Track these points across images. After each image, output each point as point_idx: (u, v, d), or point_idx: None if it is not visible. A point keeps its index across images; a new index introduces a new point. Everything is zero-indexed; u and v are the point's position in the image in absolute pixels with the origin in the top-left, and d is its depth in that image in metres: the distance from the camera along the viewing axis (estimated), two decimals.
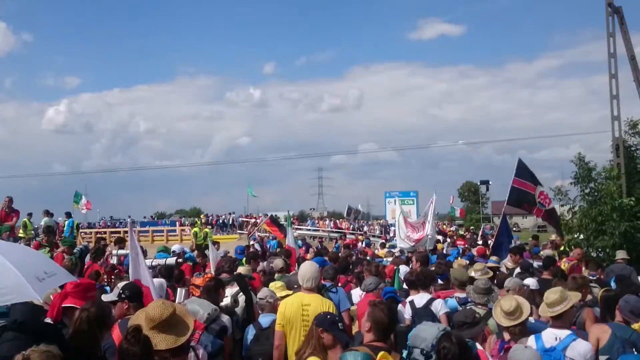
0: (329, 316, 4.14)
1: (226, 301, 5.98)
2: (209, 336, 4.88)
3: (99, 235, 22.97)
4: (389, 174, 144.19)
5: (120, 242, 11.51)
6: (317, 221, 47.20)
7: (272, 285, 6.42)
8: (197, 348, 4.15)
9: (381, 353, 3.48)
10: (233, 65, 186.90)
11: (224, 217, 40.59)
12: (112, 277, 8.62)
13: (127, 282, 4.98)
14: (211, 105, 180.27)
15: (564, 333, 4.41)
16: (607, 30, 13.18)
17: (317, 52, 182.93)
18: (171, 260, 8.76)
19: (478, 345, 4.11)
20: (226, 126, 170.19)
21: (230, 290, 6.31)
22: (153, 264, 8.46)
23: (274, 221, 18.43)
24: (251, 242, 18.35)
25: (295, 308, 5.03)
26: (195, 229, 21.98)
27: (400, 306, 6.17)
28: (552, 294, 4.63)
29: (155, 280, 6.36)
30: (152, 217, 41.74)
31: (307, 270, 5.29)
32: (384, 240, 24.57)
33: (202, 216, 29.90)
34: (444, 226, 43.46)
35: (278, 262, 8.62)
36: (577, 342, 4.30)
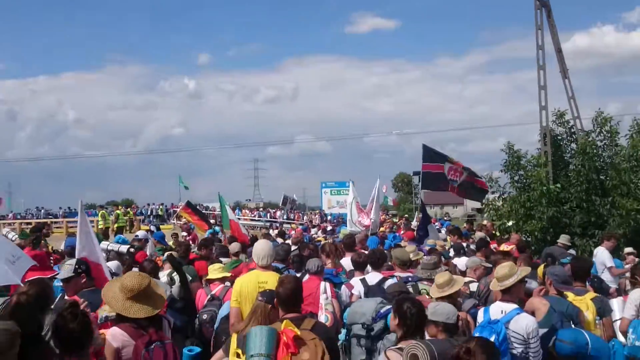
0: (273, 294, 4.16)
1: (163, 280, 6.11)
2: (174, 313, 5.19)
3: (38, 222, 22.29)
4: (324, 166, 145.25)
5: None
6: (252, 212, 46.88)
7: (211, 267, 6.55)
8: (167, 317, 4.22)
9: (285, 322, 3.59)
10: (166, 54, 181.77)
11: (155, 207, 39.62)
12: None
13: (75, 259, 4.93)
14: (143, 95, 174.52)
15: (510, 307, 4.52)
16: (535, 23, 13.70)
17: (251, 44, 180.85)
18: (124, 248, 8.72)
19: None
20: (159, 117, 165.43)
21: (164, 272, 6.57)
22: (109, 248, 8.49)
23: (191, 207, 18.11)
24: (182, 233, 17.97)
25: (251, 285, 5.04)
26: (118, 212, 23.50)
27: (343, 287, 6.28)
28: (501, 269, 4.73)
29: (111, 262, 6.62)
30: (69, 208, 40.40)
31: (261, 248, 5.37)
32: (331, 227, 24.87)
33: (120, 207, 29.42)
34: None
35: (234, 246, 8.82)
36: (521, 316, 4.39)
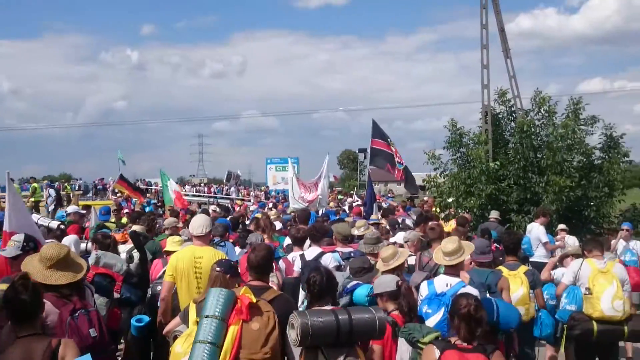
0: (231, 263, 4.34)
1: (122, 256, 6.09)
2: (129, 287, 5.39)
3: None
4: (271, 142, 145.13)
5: None
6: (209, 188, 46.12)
7: (169, 240, 6.57)
8: (89, 285, 4.24)
9: (244, 288, 3.63)
10: (108, 24, 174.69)
11: (96, 182, 38.45)
12: None
13: (22, 235, 4.68)
14: (84, 66, 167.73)
15: (455, 280, 4.67)
16: (480, 2, 13.90)
17: (199, 16, 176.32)
18: (54, 224, 8.37)
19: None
20: (101, 89, 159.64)
21: (124, 247, 6.64)
22: (39, 222, 8.10)
23: (124, 180, 17.80)
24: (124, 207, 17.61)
25: (187, 260, 5.03)
26: (35, 185, 22.26)
27: (281, 262, 6.35)
28: (450, 244, 4.85)
29: (68, 238, 6.73)
30: None
31: (198, 218, 5.48)
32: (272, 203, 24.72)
33: (33, 180, 28.26)
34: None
35: (170, 221, 8.90)
36: (466, 289, 4.49)
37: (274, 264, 5.76)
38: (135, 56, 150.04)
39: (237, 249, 7.21)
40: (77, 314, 3.52)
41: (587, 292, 5.40)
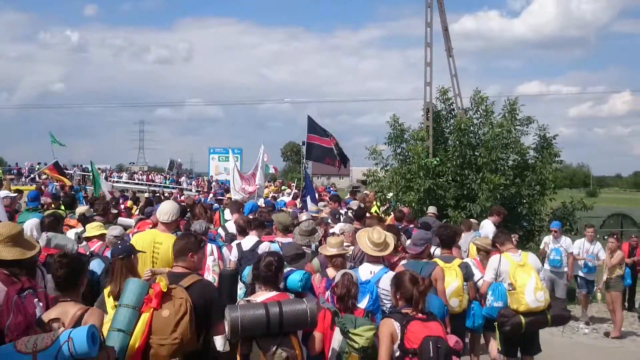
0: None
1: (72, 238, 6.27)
2: None
3: None
4: (215, 131, 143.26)
5: None
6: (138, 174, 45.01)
7: (88, 226, 6.66)
8: (41, 267, 4.28)
9: (158, 277, 3.87)
10: (48, 2, 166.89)
11: (27, 166, 36.87)
12: None
13: None
14: (20, 45, 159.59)
15: (378, 267, 4.86)
16: (425, 1, 14.15)
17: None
18: None
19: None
20: (37, 69, 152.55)
21: (74, 230, 6.90)
22: None
23: (58, 167, 17.65)
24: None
25: (147, 243, 5.08)
26: None
27: (225, 249, 6.43)
28: (377, 234, 5.05)
29: (30, 221, 6.86)
30: None
31: (166, 205, 5.54)
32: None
33: None
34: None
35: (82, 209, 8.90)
36: (388, 274, 4.71)
37: (217, 252, 6.14)
38: (76, 37, 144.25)
39: None
40: (24, 293, 3.57)
41: (510, 288, 5.66)
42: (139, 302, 3.65)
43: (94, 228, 6.50)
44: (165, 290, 3.68)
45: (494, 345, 6.34)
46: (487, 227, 9.57)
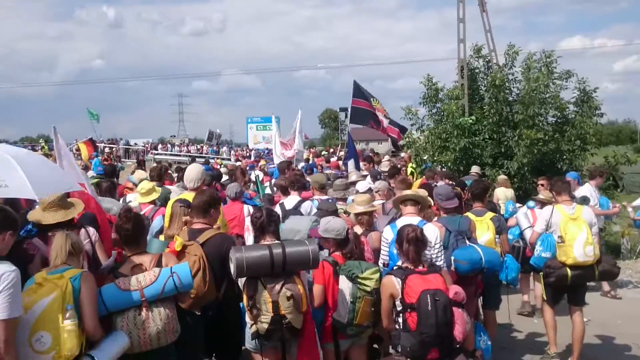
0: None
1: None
2: None
3: None
4: (252, 101, 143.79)
5: None
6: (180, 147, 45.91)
7: (143, 183, 6.94)
8: (87, 228, 4.47)
9: (176, 236, 4.14)
10: None
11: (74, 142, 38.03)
12: None
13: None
14: (58, 24, 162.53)
15: (416, 219, 4.89)
16: None
17: None
18: None
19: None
20: (76, 47, 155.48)
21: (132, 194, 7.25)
22: None
23: (92, 142, 19.77)
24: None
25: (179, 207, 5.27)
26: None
27: None
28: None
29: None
30: None
31: (191, 171, 5.73)
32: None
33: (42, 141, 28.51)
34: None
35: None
36: (427, 226, 4.77)
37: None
38: (112, 13, 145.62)
39: None
40: None
41: (559, 241, 5.64)
42: None
43: (144, 194, 6.63)
44: (179, 249, 3.97)
45: (539, 288, 6.42)
46: (586, 189, 8.65)
